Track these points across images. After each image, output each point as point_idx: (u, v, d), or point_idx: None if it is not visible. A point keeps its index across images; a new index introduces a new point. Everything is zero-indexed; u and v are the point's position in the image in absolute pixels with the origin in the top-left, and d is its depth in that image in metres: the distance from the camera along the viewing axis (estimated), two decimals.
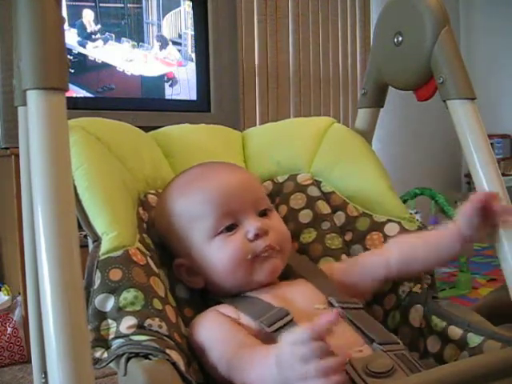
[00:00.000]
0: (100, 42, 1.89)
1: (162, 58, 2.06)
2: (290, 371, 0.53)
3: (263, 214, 0.77)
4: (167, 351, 0.60)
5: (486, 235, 0.71)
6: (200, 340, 0.69)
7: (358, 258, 0.84)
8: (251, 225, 0.73)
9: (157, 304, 0.66)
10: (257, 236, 0.73)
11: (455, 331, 0.72)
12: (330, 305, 0.72)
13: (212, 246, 0.73)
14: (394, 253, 0.79)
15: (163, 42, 2.06)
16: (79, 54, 1.85)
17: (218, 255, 0.73)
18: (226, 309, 0.72)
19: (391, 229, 0.86)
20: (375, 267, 0.79)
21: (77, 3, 1.85)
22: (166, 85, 2.07)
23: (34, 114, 0.53)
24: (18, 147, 0.72)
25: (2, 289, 1.80)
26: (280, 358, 0.54)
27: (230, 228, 0.74)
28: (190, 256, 0.75)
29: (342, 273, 0.80)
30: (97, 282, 0.65)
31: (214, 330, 0.69)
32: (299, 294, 0.74)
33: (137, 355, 0.59)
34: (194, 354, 0.70)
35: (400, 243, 0.81)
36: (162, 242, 0.79)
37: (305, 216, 0.90)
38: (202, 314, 0.72)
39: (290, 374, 0.53)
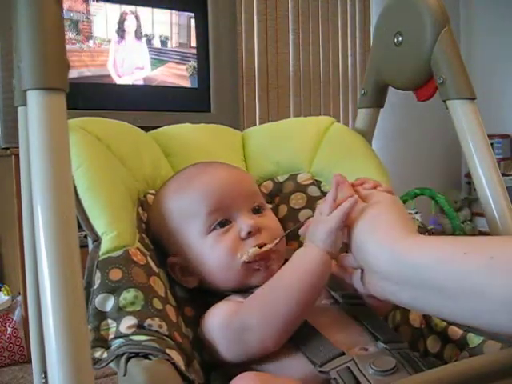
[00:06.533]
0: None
1: (162, 58, 2.06)
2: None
3: (257, 211, 0.77)
4: (167, 351, 0.60)
5: None
6: (210, 326, 0.69)
7: None
8: (244, 222, 0.73)
9: (157, 304, 0.66)
10: (249, 234, 0.73)
11: (455, 331, 0.72)
12: (334, 300, 0.72)
13: (205, 243, 0.73)
14: None
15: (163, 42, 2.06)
16: None
17: (211, 254, 0.73)
18: (236, 298, 0.71)
19: None
20: None
21: None
22: (166, 85, 2.07)
23: (34, 114, 0.53)
24: (18, 147, 0.71)
25: (2, 289, 1.81)
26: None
27: (223, 224, 0.73)
28: (183, 255, 0.75)
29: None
30: (97, 281, 0.65)
31: (223, 309, 0.69)
32: None
33: (137, 355, 0.59)
34: (198, 351, 0.70)
35: None
36: (157, 241, 0.78)
37: (305, 216, 0.89)
38: (214, 305, 0.71)
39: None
